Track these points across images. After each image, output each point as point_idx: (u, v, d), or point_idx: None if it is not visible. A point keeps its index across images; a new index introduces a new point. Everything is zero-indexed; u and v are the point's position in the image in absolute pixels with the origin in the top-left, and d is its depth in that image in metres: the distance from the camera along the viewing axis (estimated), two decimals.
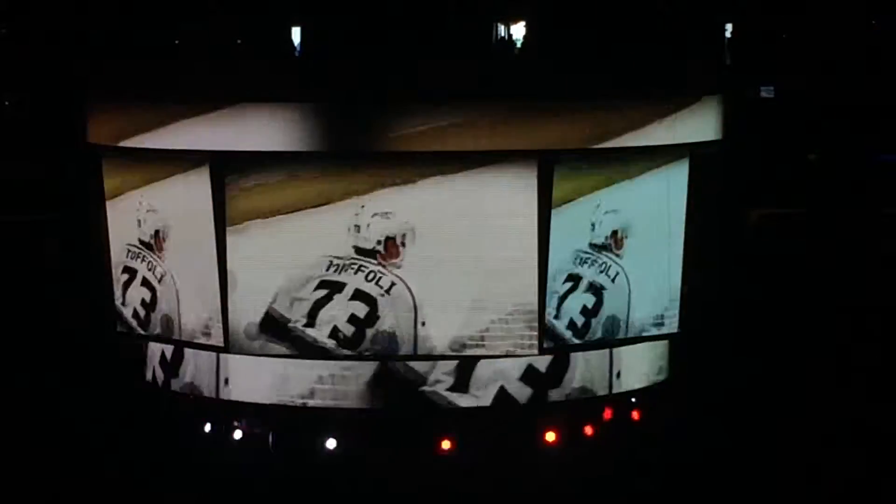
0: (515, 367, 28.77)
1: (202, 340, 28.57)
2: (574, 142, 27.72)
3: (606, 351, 29.48)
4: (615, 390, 29.85)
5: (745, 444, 30.56)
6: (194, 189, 28.07)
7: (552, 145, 27.54)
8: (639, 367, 30.45)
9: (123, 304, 30.01)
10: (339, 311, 27.84)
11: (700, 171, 30.33)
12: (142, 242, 29.36)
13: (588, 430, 29.56)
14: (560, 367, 29.16)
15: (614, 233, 28.80)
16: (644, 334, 29.75)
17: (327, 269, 27.65)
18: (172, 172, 28.49)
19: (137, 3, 40.40)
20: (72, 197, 40.71)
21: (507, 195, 27.55)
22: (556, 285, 28.24)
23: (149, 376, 30.83)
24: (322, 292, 27.73)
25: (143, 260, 29.48)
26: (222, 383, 28.84)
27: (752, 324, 36.41)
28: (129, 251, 29.69)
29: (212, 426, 29.27)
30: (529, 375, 28.97)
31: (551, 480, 28.12)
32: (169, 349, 30.00)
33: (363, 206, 27.28)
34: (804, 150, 42.08)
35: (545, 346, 28.35)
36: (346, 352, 27.96)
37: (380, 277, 27.61)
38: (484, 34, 38.03)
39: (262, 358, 28.20)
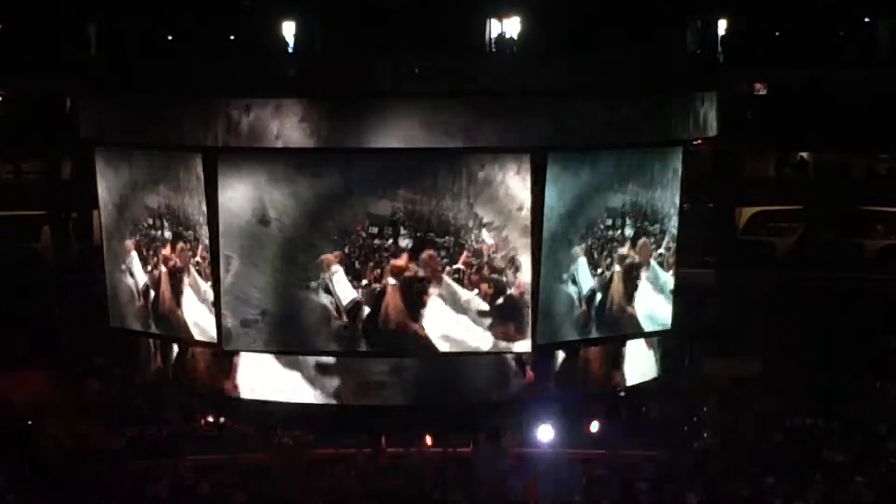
0: None
1: None
2: (568, 138, 27.83)
3: None
4: None
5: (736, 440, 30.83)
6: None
7: (546, 142, 27.64)
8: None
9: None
10: None
11: (692, 167, 30.51)
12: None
13: None
14: None
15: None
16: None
17: None
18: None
19: (135, 3, 40.41)
20: (68, 192, 40.84)
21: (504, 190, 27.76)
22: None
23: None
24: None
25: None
26: None
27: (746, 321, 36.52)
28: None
29: None
30: None
31: None
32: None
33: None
34: (796, 147, 42.13)
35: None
36: None
37: None
38: (478, 32, 38.11)
39: None
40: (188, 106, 27.99)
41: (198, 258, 28.71)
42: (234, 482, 28.45)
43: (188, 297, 29.18)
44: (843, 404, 31.90)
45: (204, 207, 28.05)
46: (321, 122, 27.32)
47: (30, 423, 32.05)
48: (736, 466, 28.79)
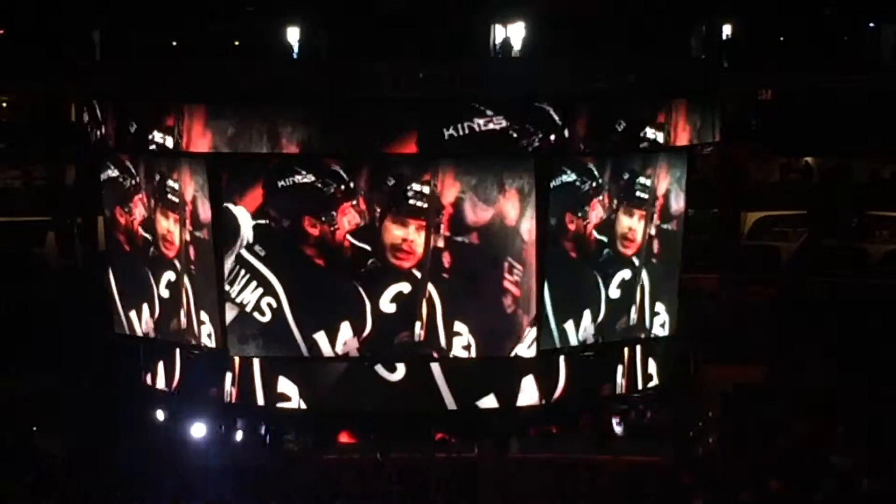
0: None
1: None
2: (572, 142, 27.83)
3: None
4: None
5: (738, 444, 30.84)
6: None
7: (550, 147, 27.64)
8: None
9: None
10: None
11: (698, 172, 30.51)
12: None
13: None
14: None
15: None
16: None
17: None
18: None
19: (139, 5, 40.44)
20: (73, 198, 40.91)
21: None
22: None
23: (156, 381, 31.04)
24: None
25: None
26: None
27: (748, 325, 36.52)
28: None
29: None
30: None
31: None
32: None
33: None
34: (801, 152, 42.17)
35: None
36: None
37: None
38: (483, 38, 38.11)
39: None
40: (193, 112, 28.00)
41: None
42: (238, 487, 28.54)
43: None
44: (847, 410, 31.86)
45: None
46: (323, 126, 27.40)
47: (34, 429, 32.20)
48: (740, 472, 28.78)
